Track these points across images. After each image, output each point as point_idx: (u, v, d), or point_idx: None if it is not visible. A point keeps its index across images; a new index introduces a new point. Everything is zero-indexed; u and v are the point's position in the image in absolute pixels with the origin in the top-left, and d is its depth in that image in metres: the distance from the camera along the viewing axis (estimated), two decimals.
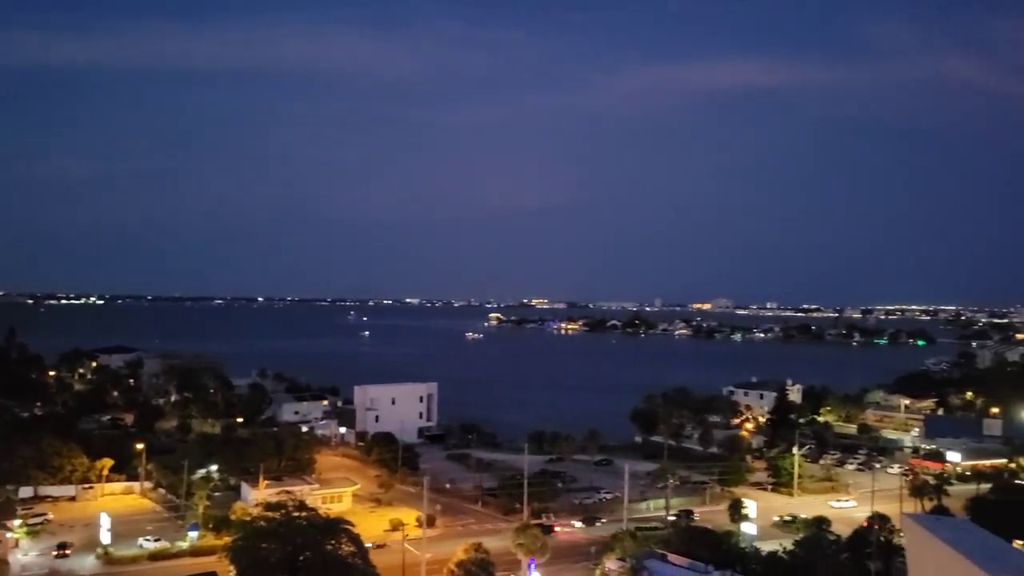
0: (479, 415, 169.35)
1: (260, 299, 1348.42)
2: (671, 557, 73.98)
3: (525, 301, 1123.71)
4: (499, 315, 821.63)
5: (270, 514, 64.89)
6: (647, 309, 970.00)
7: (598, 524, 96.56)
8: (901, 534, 68.03)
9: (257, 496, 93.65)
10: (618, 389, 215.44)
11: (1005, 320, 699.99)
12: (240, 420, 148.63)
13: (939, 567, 4.51)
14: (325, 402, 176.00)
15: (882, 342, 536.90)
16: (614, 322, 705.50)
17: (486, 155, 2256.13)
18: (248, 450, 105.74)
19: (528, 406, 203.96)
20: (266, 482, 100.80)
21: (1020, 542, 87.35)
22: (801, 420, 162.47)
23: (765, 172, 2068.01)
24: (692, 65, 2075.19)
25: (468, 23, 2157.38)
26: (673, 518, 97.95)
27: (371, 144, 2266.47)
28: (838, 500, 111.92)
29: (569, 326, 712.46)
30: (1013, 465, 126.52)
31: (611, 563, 76.42)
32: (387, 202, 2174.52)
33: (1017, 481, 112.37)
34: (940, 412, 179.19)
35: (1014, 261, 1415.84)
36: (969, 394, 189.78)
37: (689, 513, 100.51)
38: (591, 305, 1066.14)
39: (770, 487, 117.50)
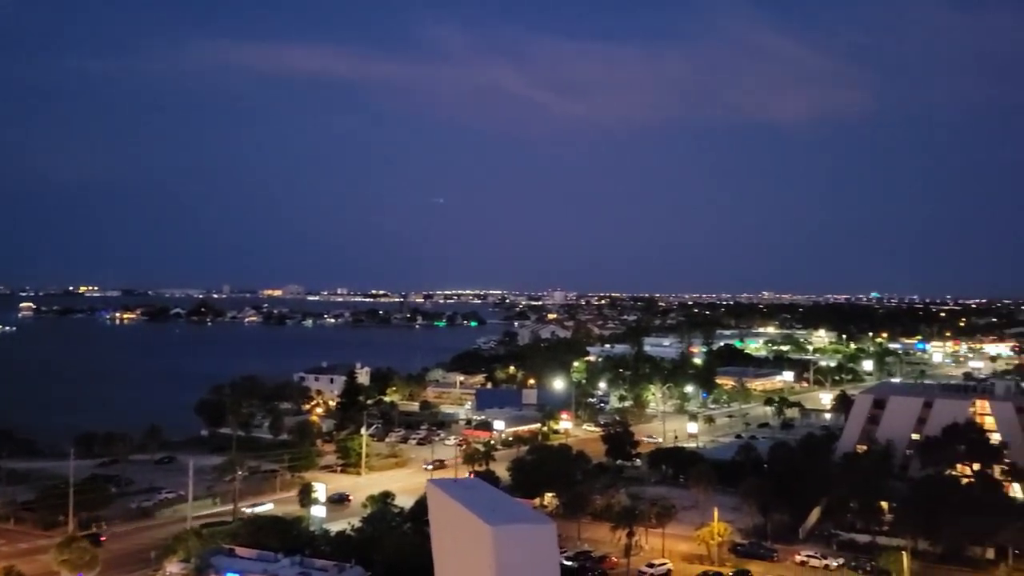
0: (15, 420, 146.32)
1: None
2: (239, 551, 71.88)
3: (71, 288, 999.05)
4: (31, 304, 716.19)
5: None
6: (215, 296, 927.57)
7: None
8: None
9: None
10: (182, 381, 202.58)
11: (540, 303, 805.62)
12: None
13: (452, 524, 4.83)
14: None
15: (441, 324, 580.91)
16: (178, 310, 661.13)
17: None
18: None
19: (78, 406, 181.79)
20: None
21: (550, 493, 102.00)
22: (369, 401, 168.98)
23: (328, 160, 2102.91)
24: (262, 44, 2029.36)
25: None
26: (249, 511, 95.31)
27: None
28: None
29: (125, 315, 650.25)
30: (545, 428, 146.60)
31: (173, 566, 71.76)
32: None
33: (547, 443, 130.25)
34: (489, 386, 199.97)
35: (546, 251, 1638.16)
36: (512, 368, 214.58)
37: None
38: (151, 292, 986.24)
39: (339, 468, 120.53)
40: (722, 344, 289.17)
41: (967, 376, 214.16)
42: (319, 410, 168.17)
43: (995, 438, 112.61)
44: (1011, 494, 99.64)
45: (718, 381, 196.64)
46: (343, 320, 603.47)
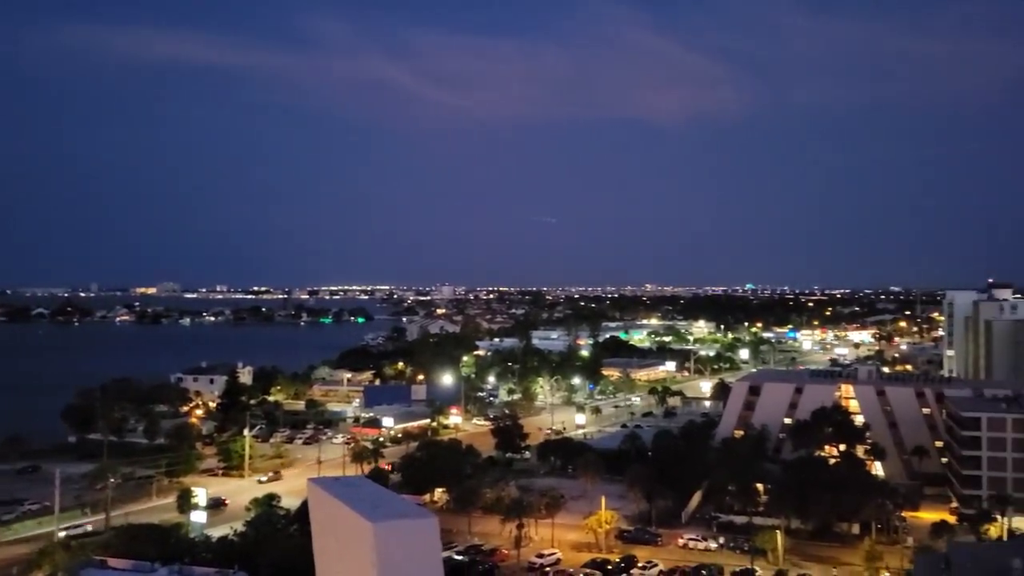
0: None
1: None
2: (111, 562, 68.36)
3: None
4: None
5: None
6: (81, 295, 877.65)
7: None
8: None
9: None
10: (47, 386, 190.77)
11: (428, 298, 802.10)
12: None
13: (333, 522, 4.68)
14: None
15: (327, 321, 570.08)
16: (41, 310, 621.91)
17: None
18: None
19: None
20: None
21: (440, 489, 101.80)
22: (252, 401, 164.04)
23: (206, 153, 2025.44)
24: (134, 31, 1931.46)
25: None
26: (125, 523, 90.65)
27: None
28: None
29: None
30: (434, 424, 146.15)
31: None
32: None
33: (437, 438, 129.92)
34: (377, 383, 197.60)
35: (435, 246, 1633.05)
36: (401, 364, 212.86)
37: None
38: (9, 292, 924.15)
39: (221, 472, 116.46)
40: (608, 336, 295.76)
41: (833, 362, 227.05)
42: (199, 412, 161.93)
43: (859, 420, 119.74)
44: (873, 472, 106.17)
45: (604, 372, 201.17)
46: (223, 318, 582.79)
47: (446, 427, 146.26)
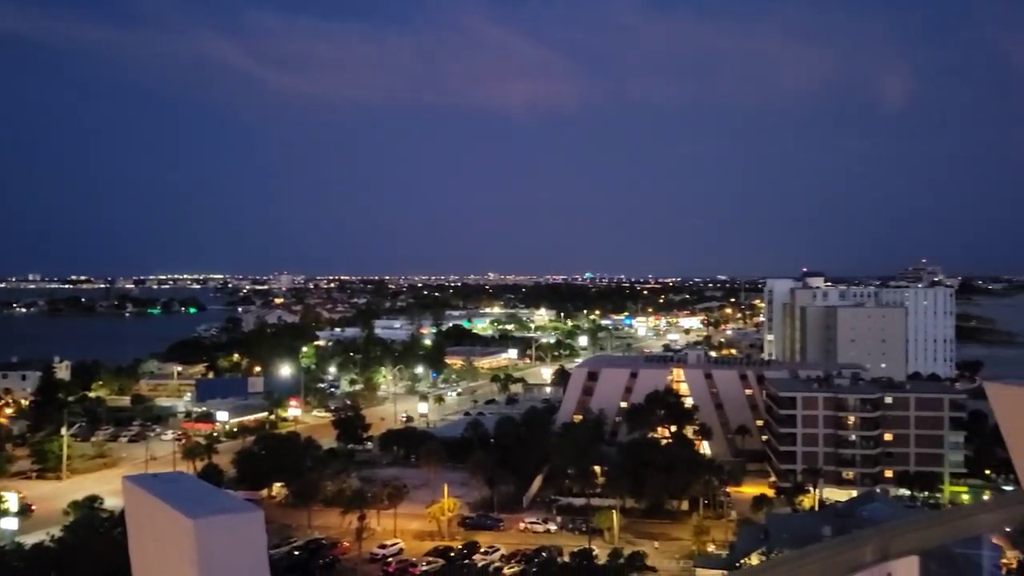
0: None
1: None
2: None
3: None
4: None
5: None
6: None
7: None
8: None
9: None
10: None
11: (266, 287, 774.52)
12: None
13: (151, 521, 4.18)
14: None
15: (156, 312, 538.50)
16: None
17: None
18: None
19: None
20: None
21: (279, 483, 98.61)
22: (71, 398, 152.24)
23: (19, 132, 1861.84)
24: None
25: None
26: None
27: None
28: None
29: None
30: (273, 417, 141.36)
31: None
32: None
33: (275, 431, 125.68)
34: (211, 375, 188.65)
35: (272, 234, 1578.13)
36: (236, 356, 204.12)
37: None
38: None
39: (35, 475, 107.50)
40: (451, 325, 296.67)
41: (666, 347, 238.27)
42: (9, 410, 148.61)
43: (688, 402, 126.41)
44: (701, 451, 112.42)
45: (447, 361, 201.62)
46: (36, 309, 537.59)
47: (285, 420, 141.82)
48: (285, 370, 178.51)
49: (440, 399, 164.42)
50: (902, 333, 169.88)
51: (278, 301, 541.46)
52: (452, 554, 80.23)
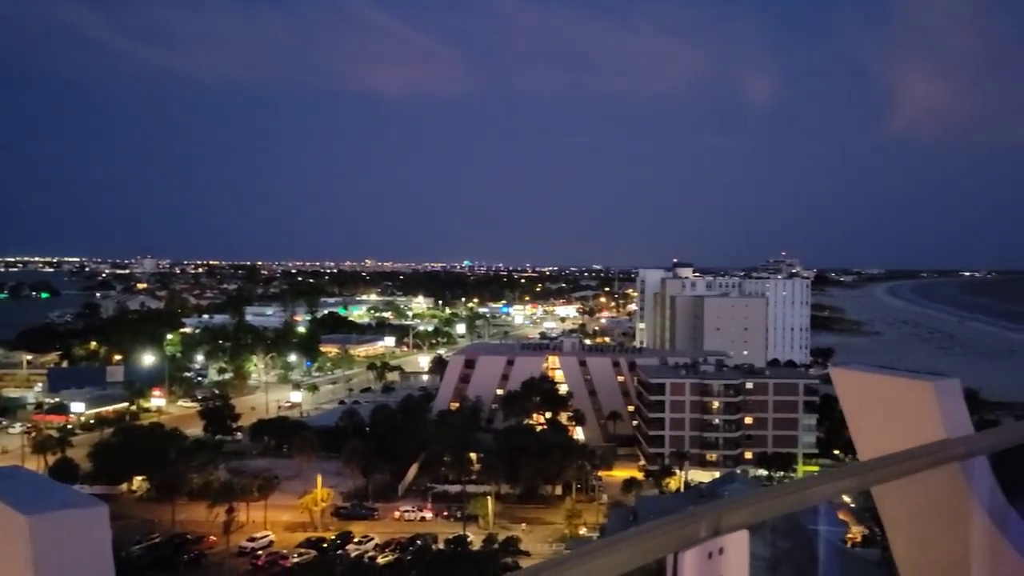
0: None
1: None
2: None
3: None
4: None
5: None
6: None
7: None
8: None
9: None
10: None
11: (128, 271, 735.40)
12: None
13: None
14: None
15: (2, 296, 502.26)
16: None
17: None
18: None
19: None
20: None
21: (140, 477, 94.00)
22: None
23: None
24: None
25: None
26: None
27: None
28: None
29: None
30: (134, 408, 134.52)
31: None
32: None
33: (137, 422, 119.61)
34: (65, 364, 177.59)
35: (135, 215, 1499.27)
36: (94, 344, 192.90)
37: None
38: None
39: None
40: (326, 312, 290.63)
41: (542, 335, 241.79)
42: None
43: (563, 388, 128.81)
44: (575, 436, 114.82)
45: (322, 349, 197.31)
46: None
47: (147, 411, 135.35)
48: (148, 358, 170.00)
49: (314, 388, 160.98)
50: (763, 322, 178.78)
51: (141, 286, 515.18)
52: (325, 545, 78.81)
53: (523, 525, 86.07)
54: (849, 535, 70.65)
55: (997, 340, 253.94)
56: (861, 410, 5.79)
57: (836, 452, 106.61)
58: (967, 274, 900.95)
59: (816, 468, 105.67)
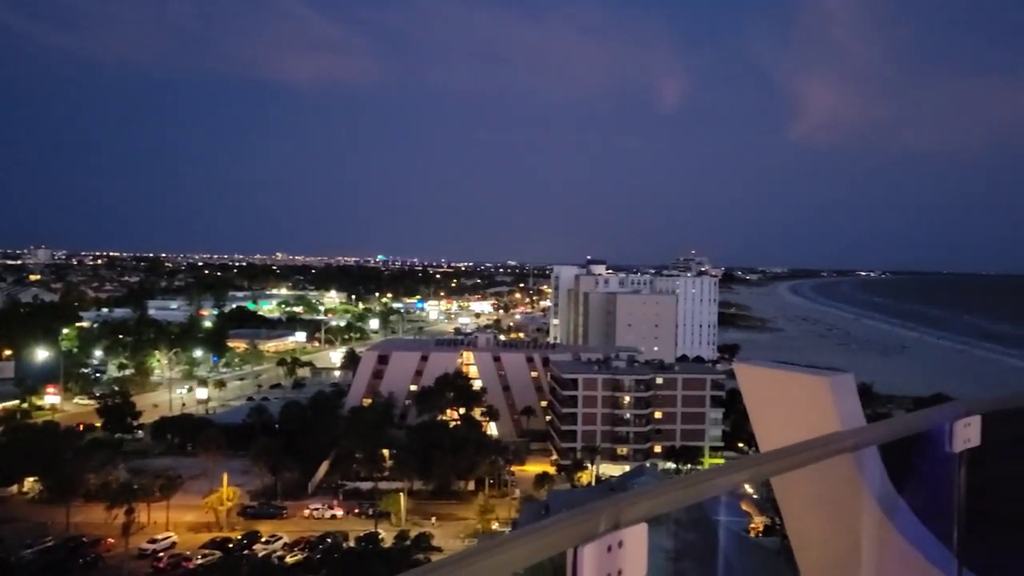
0: None
1: None
2: None
3: None
4: None
5: None
6: None
7: None
8: None
9: None
10: None
11: (20, 262, 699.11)
12: None
13: None
14: None
15: None
16: None
17: None
18: None
19: None
20: None
21: (31, 478, 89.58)
22: None
23: None
24: None
25: None
26: None
27: None
28: None
29: None
30: (25, 405, 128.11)
31: None
32: None
33: (28, 421, 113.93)
34: None
35: (28, 204, 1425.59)
36: None
37: None
38: None
39: None
40: (234, 306, 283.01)
41: (457, 331, 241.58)
42: None
43: (477, 384, 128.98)
44: (488, 432, 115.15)
45: (230, 344, 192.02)
46: None
47: (41, 408, 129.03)
48: (41, 354, 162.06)
49: (221, 384, 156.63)
50: (673, 318, 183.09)
51: (34, 278, 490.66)
52: (231, 545, 76.76)
53: (433, 519, 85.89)
54: (752, 525, 73.11)
55: (890, 337, 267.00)
56: (762, 404, 6.02)
57: (740, 445, 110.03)
58: (863, 274, 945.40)
59: (721, 461, 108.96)
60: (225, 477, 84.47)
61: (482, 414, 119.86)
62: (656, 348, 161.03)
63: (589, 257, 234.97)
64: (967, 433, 3.69)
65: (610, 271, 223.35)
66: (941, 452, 3.71)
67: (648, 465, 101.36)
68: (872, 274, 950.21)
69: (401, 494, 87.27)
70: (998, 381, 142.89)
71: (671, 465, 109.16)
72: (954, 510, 4.06)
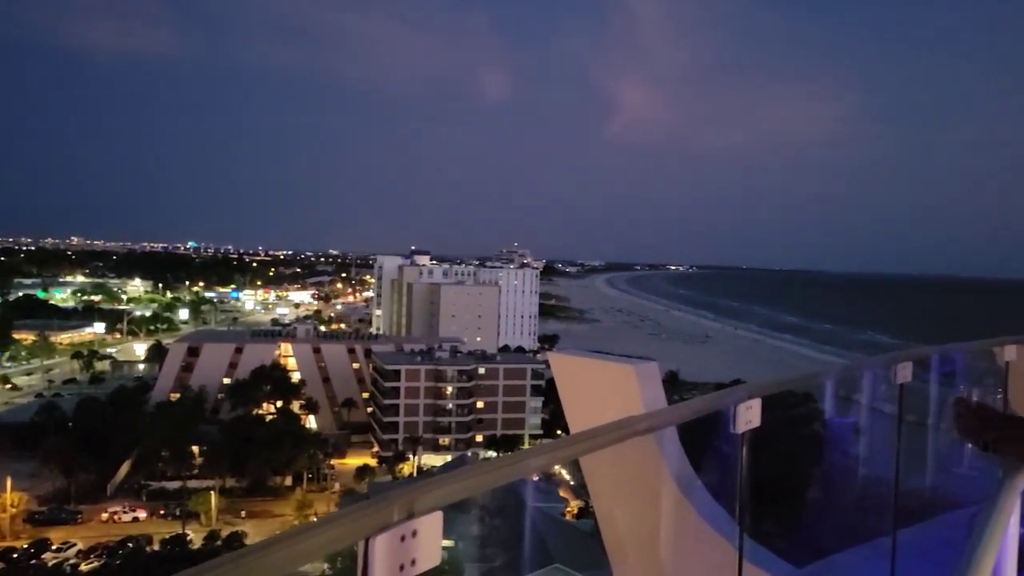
0: None
1: None
2: None
3: None
4: None
5: None
6: None
7: None
8: None
9: None
10: None
11: None
12: None
13: None
14: None
15: None
16: None
17: None
18: None
19: None
20: None
21: None
22: None
23: None
24: None
25: None
26: None
27: None
28: None
29: None
30: None
31: None
32: None
33: None
34: None
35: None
36: None
37: None
38: None
39: None
40: (21, 295, 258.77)
41: (274, 322, 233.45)
42: None
43: (296, 376, 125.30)
44: (307, 425, 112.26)
45: (16, 336, 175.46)
46: None
47: None
48: None
49: (6, 380, 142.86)
50: (495, 309, 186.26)
51: None
52: (15, 555, 70.24)
53: (243, 514, 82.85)
54: (568, 509, 75.92)
55: (695, 327, 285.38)
56: (573, 392, 6.27)
57: (559, 432, 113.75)
58: (673, 268, 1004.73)
59: None
60: (8, 481, 77.12)
61: (301, 407, 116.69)
62: (479, 339, 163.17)
63: (413, 247, 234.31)
64: (749, 415, 3.93)
65: (434, 262, 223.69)
66: (728, 433, 3.95)
67: (470, 455, 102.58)
68: (681, 268, 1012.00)
69: (212, 492, 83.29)
70: (786, 367, 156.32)
71: (492, 454, 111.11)
72: (737, 485, 4.34)
